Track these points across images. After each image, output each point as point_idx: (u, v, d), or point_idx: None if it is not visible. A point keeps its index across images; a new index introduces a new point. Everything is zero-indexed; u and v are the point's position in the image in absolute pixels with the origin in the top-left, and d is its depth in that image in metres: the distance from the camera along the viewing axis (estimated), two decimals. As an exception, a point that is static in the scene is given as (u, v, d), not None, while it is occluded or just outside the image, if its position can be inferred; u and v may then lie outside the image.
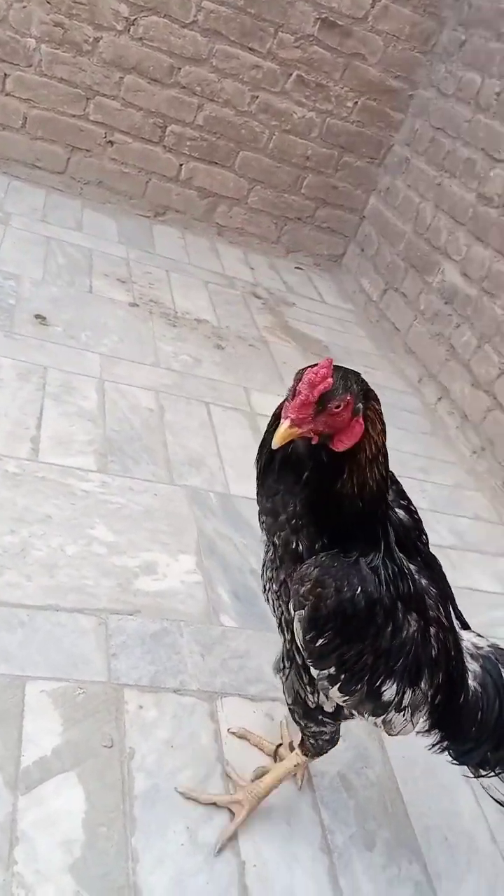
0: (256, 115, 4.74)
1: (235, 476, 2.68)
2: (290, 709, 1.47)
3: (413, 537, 1.38)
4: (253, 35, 4.51)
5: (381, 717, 1.34)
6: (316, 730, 1.47)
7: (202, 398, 3.12)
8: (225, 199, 4.96)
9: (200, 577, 2.18)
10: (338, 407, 1.10)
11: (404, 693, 1.29)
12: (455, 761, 1.44)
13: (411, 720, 1.36)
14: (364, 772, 1.78)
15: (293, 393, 1.11)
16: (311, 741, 1.51)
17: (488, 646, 1.47)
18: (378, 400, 1.20)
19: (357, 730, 1.86)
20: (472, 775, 1.44)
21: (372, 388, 1.20)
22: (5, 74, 4.40)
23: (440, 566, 1.42)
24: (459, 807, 1.77)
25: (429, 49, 4.63)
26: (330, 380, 1.08)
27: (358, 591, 1.20)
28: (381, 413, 1.20)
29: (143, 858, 1.43)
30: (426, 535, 1.43)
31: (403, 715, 1.33)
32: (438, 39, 4.52)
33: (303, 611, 1.22)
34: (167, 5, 4.34)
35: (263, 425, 3.39)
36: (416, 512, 1.41)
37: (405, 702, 1.30)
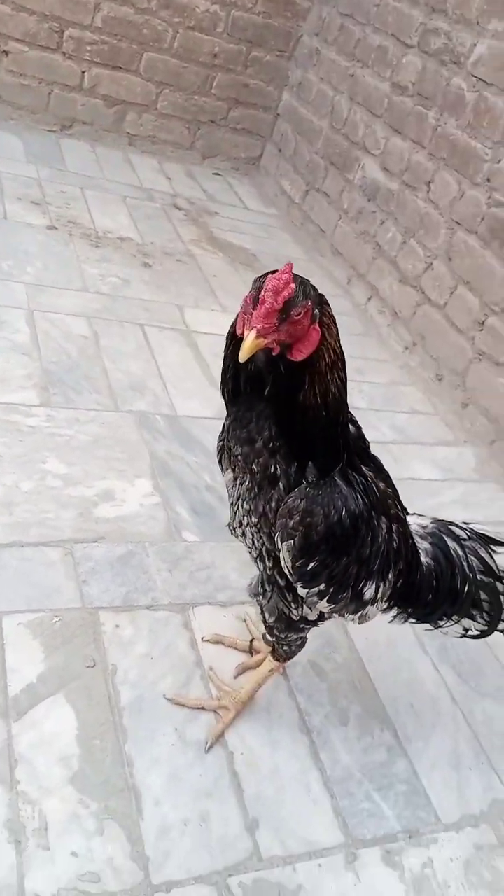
0: (157, 12, 4.48)
1: (179, 396, 2.70)
2: (269, 626, 1.56)
3: (361, 444, 1.44)
4: None
5: (360, 613, 1.46)
6: (293, 637, 1.57)
7: (136, 320, 3.09)
8: (133, 105, 4.74)
9: (158, 498, 2.23)
10: (299, 314, 1.09)
11: (379, 588, 1.41)
12: (417, 622, 1.58)
13: (379, 607, 1.49)
14: (332, 656, 1.91)
15: (255, 302, 1.08)
16: (286, 648, 1.61)
17: (431, 523, 1.61)
18: (329, 304, 1.19)
19: (322, 621, 1.99)
20: (432, 628, 1.59)
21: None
22: None
23: (381, 463, 1.50)
24: (421, 675, 1.94)
25: None
26: (293, 286, 1.06)
27: (343, 513, 1.26)
28: (335, 318, 1.20)
29: (138, 762, 1.53)
30: (367, 441, 1.49)
31: (376, 606, 1.46)
32: None
33: (292, 541, 1.27)
34: None
35: (201, 343, 3.40)
36: (356, 422, 1.46)
37: (378, 594, 1.42)
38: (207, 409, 2.64)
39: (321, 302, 1.16)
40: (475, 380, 3.07)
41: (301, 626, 1.52)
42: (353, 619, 1.48)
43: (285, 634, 1.55)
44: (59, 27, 4.38)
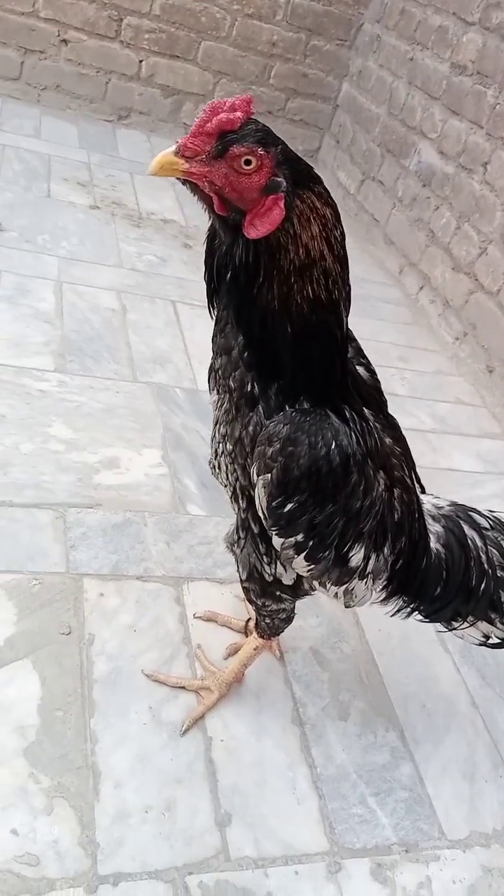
0: (216, -1, 4.42)
1: (203, 371, 2.55)
2: (244, 587, 1.37)
3: (376, 397, 1.25)
4: None
5: (344, 587, 1.24)
6: (274, 608, 1.37)
7: (168, 297, 2.98)
8: (190, 95, 4.68)
9: (166, 469, 2.08)
10: (248, 163, 0.89)
11: (370, 558, 1.19)
12: (426, 620, 1.37)
13: (372, 588, 1.26)
14: (338, 646, 1.72)
15: None
16: (267, 621, 1.41)
17: (448, 505, 1.39)
18: (325, 196, 0.97)
19: (330, 606, 1.80)
20: (445, 629, 1.37)
21: (331, 200, 0.98)
22: None
23: (400, 429, 1.30)
24: (437, 673, 1.72)
25: None
26: (239, 113, 0.87)
27: (333, 446, 1.05)
28: (330, 218, 0.97)
29: (103, 739, 1.38)
30: (385, 398, 1.30)
31: (365, 583, 1.23)
32: None
33: (269, 475, 1.07)
34: None
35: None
36: (375, 373, 1.27)
37: (369, 568, 1.20)
38: (231, 386, 2.49)
39: (302, 183, 0.95)
40: (528, 371, 2.83)
41: (276, 592, 1.31)
42: (336, 595, 1.25)
43: (262, 602, 1.35)
44: (117, 15, 4.37)
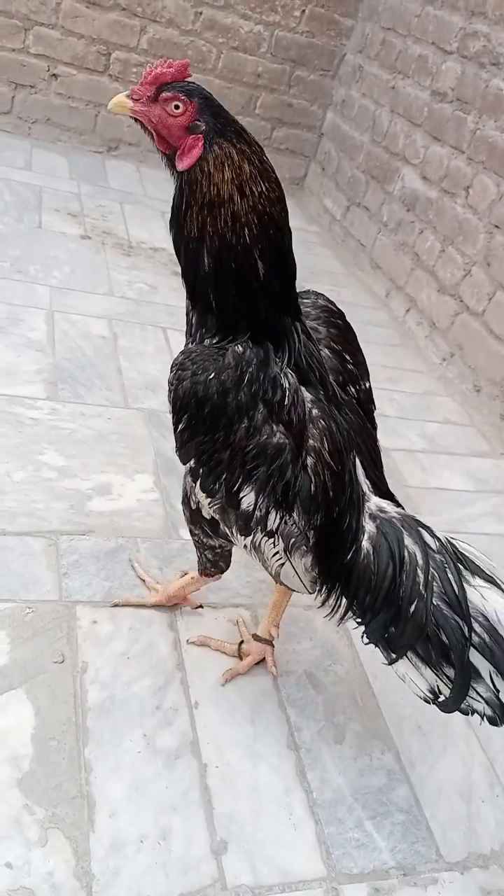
0: (202, 33, 4.50)
1: (194, 396, 2.58)
2: (184, 515, 1.48)
3: (330, 376, 1.31)
4: None
5: (251, 538, 1.29)
6: (203, 539, 1.48)
7: (159, 324, 3.01)
8: (176, 126, 4.75)
9: (158, 494, 2.09)
10: (177, 108, 1.11)
11: (268, 511, 1.23)
12: (365, 640, 1.29)
13: (289, 557, 1.27)
14: (332, 668, 1.72)
15: None
16: (199, 554, 1.55)
17: (398, 513, 1.31)
18: (248, 154, 1.13)
19: (324, 628, 1.81)
20: (387, 662, 1.27)
21: (256, 160, 1.15)
22: None
23: (372, 427, 1.36)
24: (431, 695, 1.72)
25: None
26: (172, 70, 1.11)
27: (211, 377, 1.18)
28: (247, 171, 1.13)
29: (98, 768, 1.37)
30: (363, 387, 1.37)
31: (274, 543, 1.26)
32: None
33: (167, 396, 1.24)
34: None
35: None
36: (352, 363, 1.35)
37: (272, 523, 1.24)
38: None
39: (225, 133, 1.13)
40: (515, 390, 2.86)
41: (200, 524, 1.42)
42: (247, 548, 1.33)
43: (191, 528, 1.47)
44: (106, 50, 4.45)
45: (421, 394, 3.13)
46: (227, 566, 1.57)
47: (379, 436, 2.74)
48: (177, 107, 1.12)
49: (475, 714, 1.22)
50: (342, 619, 1.31)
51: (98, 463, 2.14)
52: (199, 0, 4.40)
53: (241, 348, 1.20)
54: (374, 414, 1.45)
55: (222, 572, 1.58)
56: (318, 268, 4.13)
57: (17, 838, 1.23)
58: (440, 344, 3.34)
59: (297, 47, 4.62)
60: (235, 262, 1.16)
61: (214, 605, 1.80)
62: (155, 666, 1.60)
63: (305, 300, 1.41)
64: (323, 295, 1.43)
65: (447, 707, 1.22)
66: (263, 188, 1.15)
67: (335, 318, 1.42)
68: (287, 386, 1.21)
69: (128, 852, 1.27)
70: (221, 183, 1.12)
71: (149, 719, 1.49)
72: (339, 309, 1.45)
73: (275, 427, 1.19)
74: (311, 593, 1.34)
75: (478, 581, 1.20)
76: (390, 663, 1.26)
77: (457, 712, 1.23)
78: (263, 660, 1.67)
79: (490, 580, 1.20)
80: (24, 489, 1.96)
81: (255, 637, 1.66)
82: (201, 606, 1.77)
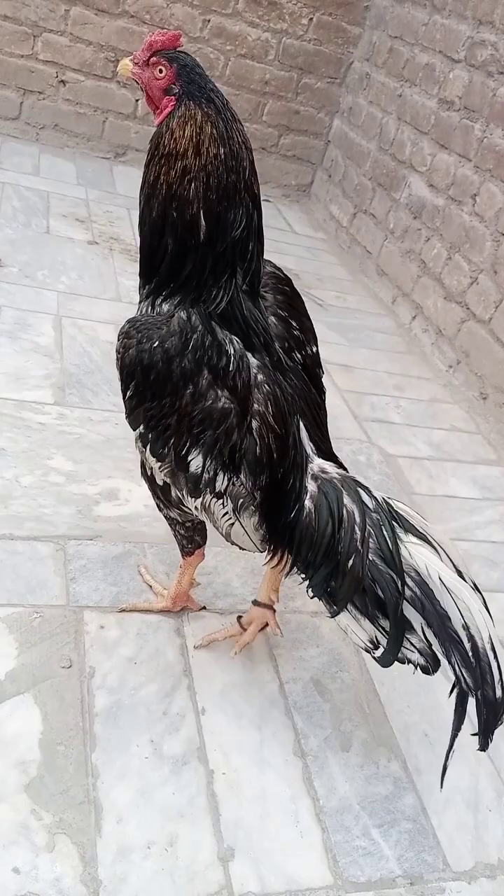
0: (210, 40, 4.53)
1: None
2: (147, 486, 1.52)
3: (276, 343, 1.36)
4: (197, -48, 4.29)
5: (201, 500, 1.34)
6: (166, 513, 1.53)
7: (165, 329, 3.01)
8: (184, 133, 4.77)
9: (165, 500, 2.09)
10: (161, 72, 1.21)
11: (216, 473, 1.29)
12: (310, 592, 1.36)
13: (238, 518, 1.34)
14: (339, 675, 1.72)
15: None
16: (174, 534, 1.59)
17: (339, 474, 1.37)
18: (212, 118, 1.19)
19: (330, 635, 1.81)
20: (330, 615, 1.34)
21: (220, 125, 1.20)
22: None
23: (319, 392, 1.44)
24: (439, 702, 1.72)
25: (383, -46, 4.41)
26: (163, 39, 1.22)
27: (156, 345, 1.23)
28: (208, 133, 1.19)
29: (105, 774, 1.37)
30: (309, 352, 1.43)
31: (223, 504, 1.33)
32: None
33: (116, 364, 1.29)
34: None
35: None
36: (298, 329, 1.41)
37: (220, 485, 1.30)
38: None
39: (196, 96, 1.20)
40: (522, 398, 2.86)
41: (157, 493, 1.46)
42: (197, 510, 1.38)
43: (156, 502, 1.51)
44: (114, 57, 4.48)
45: (427, 401, 3.13)
46: (204, 540, 1.60)
47: (385, 443, 2.76)
48: (160, 71, 1.22)
49: (410, 664, 1.31)
50: (287, 574, 1.41)
51: (105, 468, 2.15)
52: (207, 8, 4.42)
53: (185, 315, 1.25)
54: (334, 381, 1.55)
55: (199, 546, 1.61)
56: (324, 274, 4.13)
57: (24, 843, 1.23)
58: (446, 351, 3.34)
59: (305, 55, 4.64)
60: (178, 212, 1.22)
61: (221, 610, 1.80)
62: (162, 671, 1.60)
63: None
64: (271, 262, 1.45)
65: (386, 658, 1.30)
66: (221, 152, 1.21)
67: (282, 285, 1.46)
68: (232, 352, 1.26)
69: (135, 858, 1.26)
70: (180, 138, 1.20)
71: (156, 725, 1.49)
72: (286, 276, 1.49)
73: (220, 392, 1.25)
74: (261, 552, 1.42)
75: (411, 538, 1.28)
76: (332, 616, 1.34)
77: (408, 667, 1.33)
78: (267, 625, 1.71)
79: (422, 537, 1.29)
80: (32, 494, 1.96)
81: (256, 603, 1.69)
82: (205, 608, 1.79)
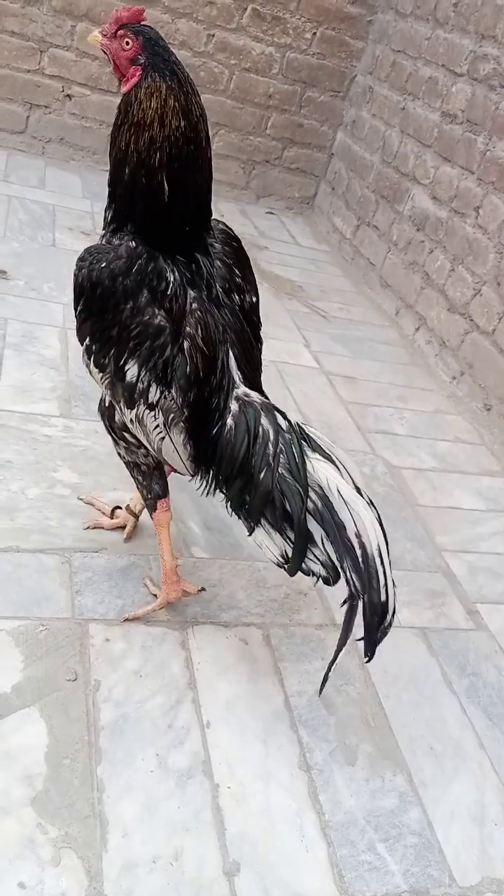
0: (214, 54, 4.57)
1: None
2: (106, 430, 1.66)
3: (217, 283, 1.50)
4: (201, -32, 4.33)
5: (135, 411, 1.47)
6: (122, 453, 1.66)
7: (170, 342, 3.03)
8: (188, 146, 4.80)
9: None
10: (128, 44, 1.33)
11: (150, 384, 1.43)
12: (229, 509, 1.51)
13: (168, 432, 1.48)
14: (344, 689, 1.72)
15: None
16: (135, 483, 1.71)
17: (260, 400, 1.51)
18: (175, 91, 1.30)
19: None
20: (248, 533, 1.49)
21: (182, 99, 1.32)
22: None
23: (255, 338, 1.58)
24: (444, 715, 1.72)
25: (386, -31, 4.45)
26: (127, 13, 1.35)
27: (103, 265, 1.38)
28: (172, 106, 1.30)
29: (110, 788, 1.37)
30: (248, 300, 1.56)
31: (155, 416, 1.46)
32: (395, -42, 4.33)
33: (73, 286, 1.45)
34: None
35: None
36: (240, 277, 1.54)
37: (153, 396, 1.44)
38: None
39: (161, 69, 1.31)
40: (526, 409, 2.86)
41: (108, 423, 1.60)
42: (133, 425, 1.51)
43: (112, 440, 1.64)
44: (119, 71, 4.51)
45: (431, 412, 3.14)
46: (164, 491, 1.70)
47: (389, 454, 2.76)
48: (128, 43, 1.34)
49: (313, 575, 1.44)
50: (212, 491, 1.54)
51: (110, 480, 2.16)
52: (211, 23, 4.47)
53: (133, 244, 1.40)
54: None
55: (160, 498, 1.70)
56: (327, 286, 4.15)
57: (30, 857, 1.24)
58: (450, 363, 3.35)
59: (309, 69, 4.68)
60: (146, 178, 1.36)
61: (226, 623, 1.80)
62: (167, 684, 1.60)
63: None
64: (223, 222, 1.61)
65: (292, 567, 1.43)
66: (182, 124, 1.34)
67: (231, 240, 1.59)
68: (172, 280, 1.41)
69: (140, 873, 1.26)
70: (148, 109, 1.33)
71: (161, 738, 1.49)
72: (236, 234, 1.62)
73: (156, 311, 1.40)
74: (189, 471, 1.55)
75: (317, 456, 1.42)
76: (250, 533, 1.48)
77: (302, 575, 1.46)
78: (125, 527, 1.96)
79: (327, 456, 1.43)
80: (38, 506, 1.97)
81: (128, 509, 1.96)
82: (203, 589, 1.85)
